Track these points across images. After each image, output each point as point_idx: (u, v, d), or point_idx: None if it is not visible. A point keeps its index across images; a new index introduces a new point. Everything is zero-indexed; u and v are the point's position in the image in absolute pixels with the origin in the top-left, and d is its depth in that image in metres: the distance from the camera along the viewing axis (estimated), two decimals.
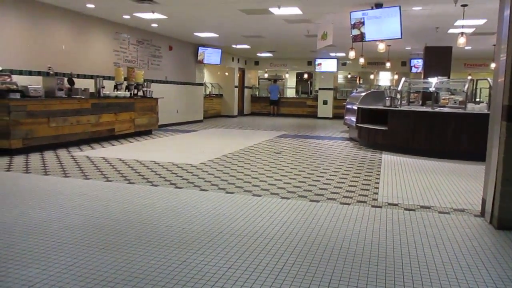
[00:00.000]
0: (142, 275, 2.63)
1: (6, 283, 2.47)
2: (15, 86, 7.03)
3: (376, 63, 18.54)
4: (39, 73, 8.14)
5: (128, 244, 3.14)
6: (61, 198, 4.38)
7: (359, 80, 22.03)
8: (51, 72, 8.19)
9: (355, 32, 8.17)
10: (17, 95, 6.96)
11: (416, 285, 2.59)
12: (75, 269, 2.68)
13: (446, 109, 8.30)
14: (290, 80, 23.90)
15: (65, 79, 8.22)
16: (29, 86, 7.22)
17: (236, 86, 19.10)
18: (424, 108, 8.83)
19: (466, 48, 13.24)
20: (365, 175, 6.05)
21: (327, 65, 18.60)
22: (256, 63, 20.53)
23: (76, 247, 3.05)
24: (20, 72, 7.79)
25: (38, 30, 8.20)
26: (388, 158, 7.64)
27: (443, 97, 10.24)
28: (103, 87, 9.11)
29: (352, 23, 8.13)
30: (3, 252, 2.93)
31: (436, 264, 2.91)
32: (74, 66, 9.08)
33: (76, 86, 8.47)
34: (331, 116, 19.23)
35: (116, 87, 9.84)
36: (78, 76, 9.10)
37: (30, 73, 7.99)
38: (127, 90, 10.14)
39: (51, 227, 3.48)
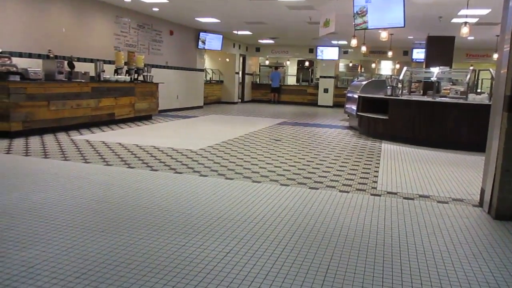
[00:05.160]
0: (141, 258, 2.65)
1: (6, 263, 2.49)
2: (14, 69, 7.00)
3: (378, 51, 18.44)
4: (39, 56, 8.09)
5: (127, 227, 3.16)
6: (60, 181, 4.39)
7: (361, 69, 21.93)
8: (51, 55, 8.14)
9: (358, 20, 8.09)
10: (17, 78, 6.92)
11: (413, 273, 2.61)
12: (74, 251, 2.70)
13: (447, 99, 8.27)
14: (291, 68, 23.78)
15: (65, 62, 8.17)
16: (29, 69, 7.18)
17: (237, 73, 19.01)
18: (425, 98, 8.80)
19: (469, 38, 13.15)
20: (365, 164, 6.06)
21: (329, 53, 18.48)
22: (258, 49, 20.39)
23: (75, 230, 3.06)
24: (20, 55, 7.74)
25: (38, 12, 8.12)
26: (388, 147, 7.64)
27: (444, 87, 10.20)
28: (103, 71, 9.06)
29: (355, 11, 8.05)
30: (2, 234, 2.94)
31: (434, 253, 2.93)
32: (74, 49, 9.01)
33: (76, 69, 8.41)
34: (331, 104, 19.17)
35: (116, 71, 9.79)
36: (78, 59, 9.03)
37: (30, 55, 7.94)
38: (127, 75, 10.09)
39: (50, 209, 3.49)
